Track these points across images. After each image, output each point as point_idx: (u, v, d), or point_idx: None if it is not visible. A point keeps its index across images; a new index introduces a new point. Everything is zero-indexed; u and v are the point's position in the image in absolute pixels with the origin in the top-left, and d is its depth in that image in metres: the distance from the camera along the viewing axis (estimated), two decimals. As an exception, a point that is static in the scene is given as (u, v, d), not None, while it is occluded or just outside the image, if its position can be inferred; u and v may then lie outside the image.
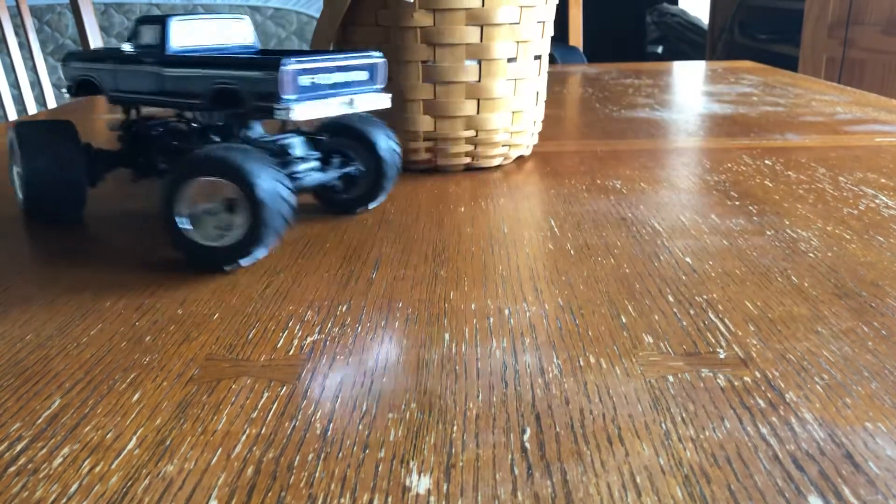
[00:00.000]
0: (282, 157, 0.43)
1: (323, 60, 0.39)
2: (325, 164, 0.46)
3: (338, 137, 0.47)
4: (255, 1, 2.53)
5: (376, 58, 0.42)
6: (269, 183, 0.36)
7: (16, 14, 2.33)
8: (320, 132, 0.47)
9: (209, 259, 0.38)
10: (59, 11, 2.48)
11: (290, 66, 0.37)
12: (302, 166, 0.44)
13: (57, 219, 0.48)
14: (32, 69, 1.28)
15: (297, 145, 0.44)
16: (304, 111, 0.38)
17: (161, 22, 0.43)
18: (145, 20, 0.44)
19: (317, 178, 0.44)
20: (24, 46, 2.34)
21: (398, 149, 0.47)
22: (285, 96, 0.38)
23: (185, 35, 0.43)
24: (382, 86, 0.43)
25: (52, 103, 1.24)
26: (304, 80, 0.38)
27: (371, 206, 0.48)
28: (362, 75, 0.42)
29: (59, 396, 0.28)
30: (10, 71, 2.43)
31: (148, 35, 0.43)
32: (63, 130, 0.46)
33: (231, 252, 0.38)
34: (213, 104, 0.41)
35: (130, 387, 0.29)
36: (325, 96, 0.40)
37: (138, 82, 0.44)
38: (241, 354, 0.31)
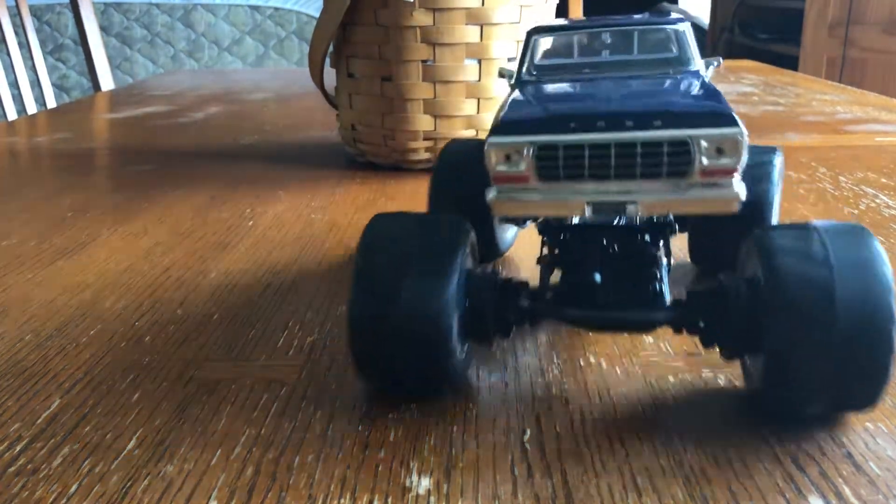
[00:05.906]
0: None
1: None
2: None
3: None
4: (256, 0, 2.53)
5: None
6: None
7: (16, 14, 2.33)
8: None
9: None
10: (59, 11, 2.48)
11: None
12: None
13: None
14: (32, 69, 1.28)
15: None
16: None
17: None
18: None
19: None
20: (24, 46, 2.34)
21: None
22: None
23: None
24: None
25: (51, 103, 1.24)
26: None
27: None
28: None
29: (59, 396, 0.28)
30: (10, 71, 2.43)
31: None
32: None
33: None
34: None
35: (130, 387, 0.29)
36: None
37: None
38: (241, 354, 0.31)
